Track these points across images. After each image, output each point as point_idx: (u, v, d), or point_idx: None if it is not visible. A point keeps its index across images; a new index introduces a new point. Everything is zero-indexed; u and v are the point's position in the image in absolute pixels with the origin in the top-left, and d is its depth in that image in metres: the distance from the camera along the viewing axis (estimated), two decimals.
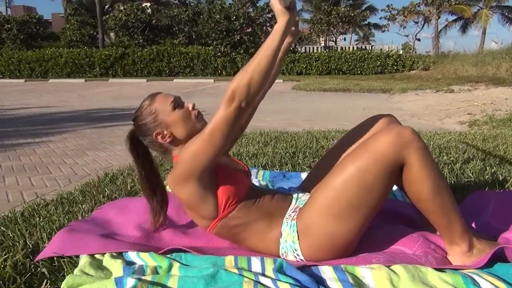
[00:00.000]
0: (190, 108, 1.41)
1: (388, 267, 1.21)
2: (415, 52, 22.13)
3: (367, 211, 1.26)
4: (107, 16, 21.41)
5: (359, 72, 17.61)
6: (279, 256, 1.34)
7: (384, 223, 1.55)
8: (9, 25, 21.68)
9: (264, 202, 1.39)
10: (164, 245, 1.45)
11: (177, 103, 1.40)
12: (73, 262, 1.36)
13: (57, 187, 2.46)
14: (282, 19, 1.21)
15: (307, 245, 1.29)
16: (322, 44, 24.75)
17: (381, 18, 36.68)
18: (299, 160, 2.76)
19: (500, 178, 2.20)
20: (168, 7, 22.13)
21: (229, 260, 1.29)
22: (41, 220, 1.74)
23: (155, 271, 1.27)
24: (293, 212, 1.35)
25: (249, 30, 18.28)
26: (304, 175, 2.32)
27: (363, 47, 21.71)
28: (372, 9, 32.08)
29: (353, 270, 1.22)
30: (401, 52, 19.42)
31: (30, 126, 5.12)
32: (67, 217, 1.77)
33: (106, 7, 26.43)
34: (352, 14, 23.19)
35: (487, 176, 2.25)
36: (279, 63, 1.61)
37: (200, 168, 1.25)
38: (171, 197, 1.61)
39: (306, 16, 31.93)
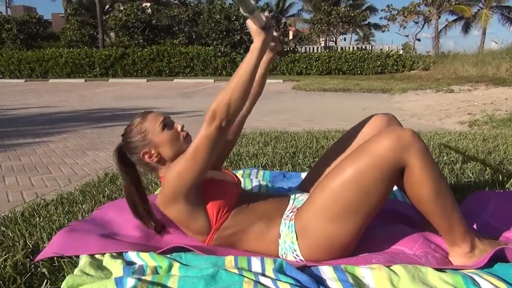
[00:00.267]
0: (179, 129, 1.44)
1: (388, 267, 1.21)
2: (415, 52, 22.14)
3: (366, 212, 1.26)
4: (107, 16, 21.42)
5: (359, 72, 17.61)
6: (279, 257, 1.34)
7: (384, 223, 1.54)
8: (9, 25, 21.69)
9: (259, 206, 1.40)
10: (164, 245, 1.44)
11: (167, 124, 1.43)
12: (73, 262, 1.36)
13: (57, 187, 2.46)
14: (257, 39, 1.25)
15: (306, 245, 1.29)
16: (322, 44, 24.76)
17: (381, 18, 36.72)
18: (299, 160, 2.76)
19: (500, 178, 2.20)
20: (168, 7, 22.14)
21: (229, 260, 1.29)
22: (41, 220, 1.74)
23: (155, 271, 1.27)
24: (290, 212, 1.35)
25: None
26: (304, 175, 2.32)
27: (363, 47, 21.72)
28: (372, 9, 32.10)
29: (353, 270, 1.22)
30: (401, 52, 19.42)
31: (30, 126, 5.12)
32: (67, 217, 1.78)
33: (106, 7, 26.43)
34: (352, 14, 23.20)
35: (487, 176, 2.25)
36: (262, 79, 1.65)
37: (185, 187, 1.28)
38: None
39: (306, 16, 32.00)
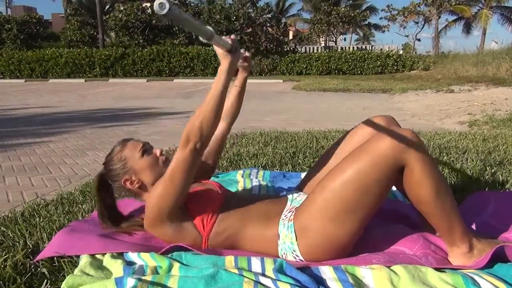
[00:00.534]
0: (158, 154, 1.47)
1: (388, 267, 1.21)
2: (415, 52, 22.13)
3: (365, 212, 1.26)
4: (107, 16, 21.42)
5: (359, 72, 17.60)
6: (279, 257, 1.34)
7: (384, 223, 1.54)
8: (9, 25, 21.68)
9: (253, 207, 1.41)
10: (165, 245, 1.44)
11: (146, 150, 1.45)
12: (73, 262, 1.36)
13: (57, 187, 2.46)
14: (224, 61, 1.28)
15: (305, 245, 1.29)
16: (322, 44, 24.75)
17: (381, 18, 36.69)
18: (299, 160, 2.76)
19: (500, 178, 2.20)
20: None
21: (229, 260, 1.29)
22: (41, 220, 1.74)
23: (155, 271, 1.27)
24: (289, 212, 1.36)
25: (249, 30, 18.29)
26: (304, 175, 2.32)
27: (363, 47, 21.72)
28: (372, 9, 32.12)
29: (353, 270, 1.22)
30: (401, 52, 19.41)
31: (30, 126, 5.12)
32: (67, 217, 1.78)
33: (107, 7, 26.44)
34: (352, 14, 23.19)
35: (487, 176, 2.25)
36: (238, 98, 1.71)
37: (167, 210, 1.32)
38: None
39: (306, 16, 32.00)
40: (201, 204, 1.39)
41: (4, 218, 1.77)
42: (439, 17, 24.95)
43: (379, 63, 17.50)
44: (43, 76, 18.74)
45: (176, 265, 1.27)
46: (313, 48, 20.82)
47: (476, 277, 1.14)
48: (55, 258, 1.37)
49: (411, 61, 17.48)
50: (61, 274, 1.30)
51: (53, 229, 1.62)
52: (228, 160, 2.80)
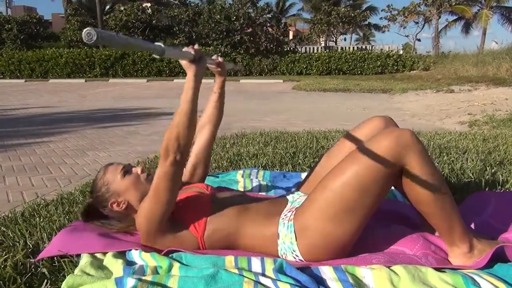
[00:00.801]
0: (139, 172, 1.49)
1: (388, 267, 1.21)
2: (416, 52, 22.13)
3: (364, 212, 1.26)
4: (107, 16, 21.42)
5: (359, 72, 17.61)
6: (279, 257, 1.34)
7: (384, 223, 1.54)
8: (9, 25, 21.68)
9: (253, 206, 1.41)
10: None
11: (127, 171, 1.47)
12: (74, 262, 1.36)
13: (57, 187, 2.46)
14: (189, 72, 1.28)
15: (305, 246, 1.29)
16: (322, 44, 24.75)
17: (381, 18, 36.66)
18: (300, 160, 2.76)
19: (500, 178, 2.20)
20: (168, 8, 22.14)
21: (229, 260, 1.29)
22: (42, 220, 1.74)
23: (155, 271, 1.27)
24: (289, 212, 1.36)
25: (249, 30, 18.29)
26: (304, 176, 2.32)
27: (363, 47, 21.72)
28: (372, 9, 32.11)
29: (353, 270, 1.22)
30: (401, 52, 19.41)
31: (30, 126, 5.13)
32: (67, 217, 1.78)
33: (107, 7, 26.44)
34: (352, 15, 23.19)
35: (487, 176, 2.25)
36: (218, 103, 1.73)
37: (157, 225, 1.33)
38: None
39: (306, 16, 32.00)
40: (189, 207, 1.40)
41: (4, 218, 1.77)
42: (439, 17, 24.94)
43: (379, 63, 17.50)
44: (43, 76, 18.74)
45: (176, 265, 1.27)
46: (313, 48, 20.82)
47: (476, 277, 1.15)
48: (55, 258, 1.37)
49: (411, 61, 17.49)
50: (61, 274, 1.30)
51: (53, 229, 1.62)
52: (228, 160, 2.80)
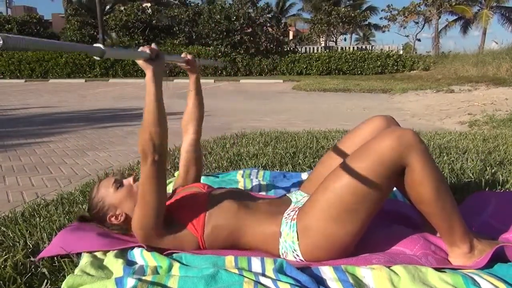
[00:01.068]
0: (132, 181, 1.49)
1: (388, 267, 1.21)
2: (416, 52, 22.13)
3: (367, 212, 1.26)
4: (107, 17, 21.42)
5: (359, 72, 17.60)
6: (279, 256, 1.34)
7: (384, 223, 1.54)
8: (9, 25, 21.70)
9: (255, 204, 1.42)
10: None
11: (119, 183, 1.47)
12: (74, 262, 1.36)
13: (57, 187, 2.46)
14: (147, 71, 1.28)
15: (306, 245, 1.29)
16: (323, 44, 24.74)
17: (381, 18, 36.65)
18: (300, 160, 2.76)
19: (500, 178, 2.20)
20: (168, 8, 22.13)
21: (229, 260, 1.29)
22: (42, 220, 1.74)
23: (155, 271, 1.27)
24: (292, 211, 1.36)
25: (249, 30, 18.29)
26: (304, 175, 2.32)
27: (364, 47, 21.71)
28: (372, 9, 32.09)
29: (354, 270, 1.22)
30: (401, 52, 19.41)
31: (30, 126, 5.13)
32: (67, 217, 1.78)
33: (107, 7, 26.44)
34: (352, 14, 23.18)
35: (487, 176, 2.25)
36: (197, 99, 1.75)
37: (153, 229, 1.33)
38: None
39: (306, 16, 32.00)
40: (186, 207, 1.40)
41: (4, 218, 1.77)
42: (439, 17, 24.94)
43: (379, 63, 17.50)
44: (43, 76, 18.74)
45: (176, 265, 1.27)
46: (313, 48, 20.81)
47: (476, 277, 1.15)
48: (55, 258, 1.37)
49: (411, 61, 17.48)
50: (61, 274, 1.30)
51: (53, 229, 1.62)
52: (228, 160, 2.80)
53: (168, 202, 1.47)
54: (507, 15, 28.95)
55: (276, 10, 28.28)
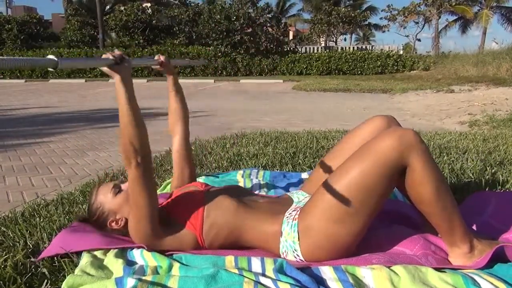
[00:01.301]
0: None
1: (388, 267, 1.21)
2: (416, 52, 22.13)
3: (368, 213, 1.26)
4: (107, 17, 21.43)
5: (359, 72, 17.61)
6: (280, 255, 1.34)
7: (385, 224, 1.54)
8: (9, 26, 21.68)
9: (256, 203, 1.42)
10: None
11: (118, 188, 1.47)
12: (74, 262, 1.36)
13: (57, 187, 2.46)
14: (115, 76, 1.30)
15: (307, 245, 1.29)
16: (323, 44, 24.75)
17: (381, 18, 36.64)
18: (300, 161, 2.76)
19: (500, 178, 2.20)
20: (168, 8, 22.14)
21: (229, 260, 1.29)
22: (42, 220, 1.74)
23: (155, 271, 1.27)
24: (294, 211, 1.36)
25: (250, 30, 18.29)
26: (304, 175, 2.32)
27: (364, 47, 21.72)
28: (372, 9, 32.10)
29: (354, 270, 1.22)
30: (401, 52, 19.41)
31: (30, 126, 5.13)
32: (67, 217, 1.78)
33: (107, 7, 26.44)
34: (352, 14, 23.18)
35: (487, 176, 2.25)
36: (178, 99, 1.80)
37: (150, 230, 1.33)
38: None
39: (306, 16, 32.01)
40: (183, 206, 1.40)
41: (4, 218, 1.77)
42: (439, 17, 24.94)
43: (379, 63, 17.50)
44: (43, 76, 18.74)
45: (176, 265, 1.27)
46: (313, 48, 20.82)
47: (476, 277, 1.15)
48: (55, 258, 1.37)
49: (411, 61, 17.49)
50: (61, 274, 1.30)
51: (53, 229, 1.62)
52: (228, 160, 2.80)
53: (165, 203, 1.47)
54: (507, 15, 28.95)
55: (276, 10, 28.28)
